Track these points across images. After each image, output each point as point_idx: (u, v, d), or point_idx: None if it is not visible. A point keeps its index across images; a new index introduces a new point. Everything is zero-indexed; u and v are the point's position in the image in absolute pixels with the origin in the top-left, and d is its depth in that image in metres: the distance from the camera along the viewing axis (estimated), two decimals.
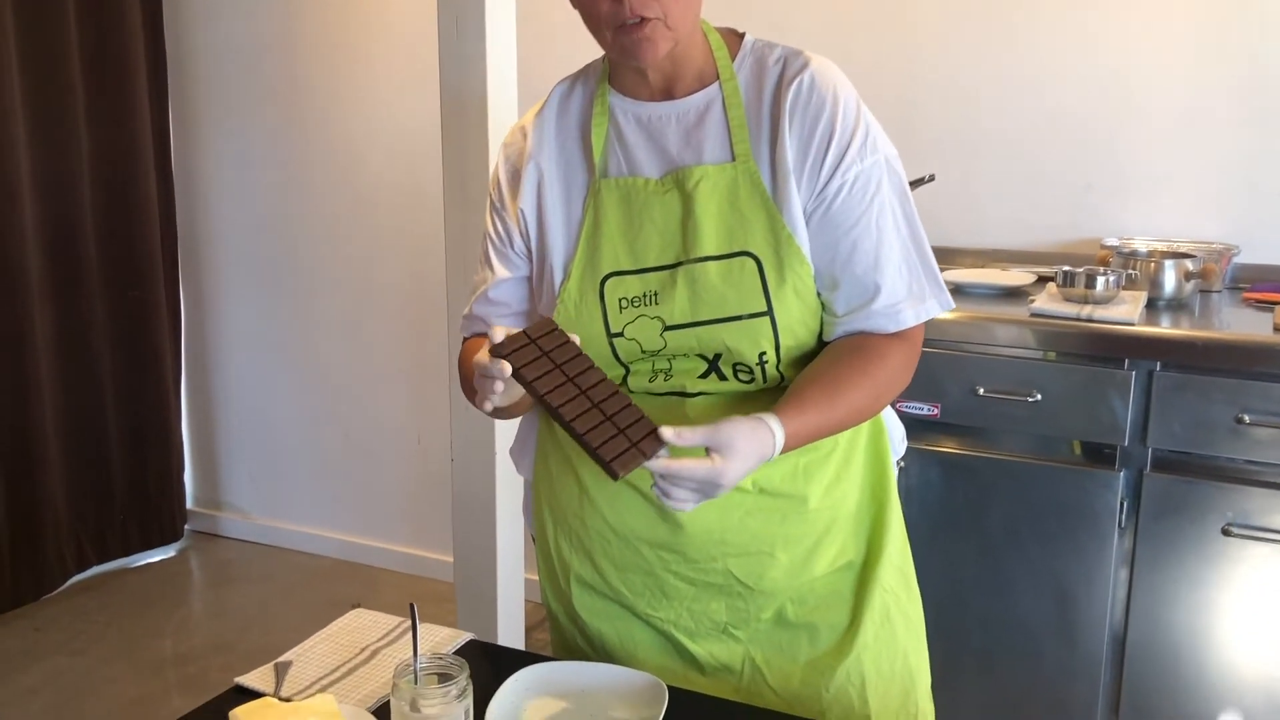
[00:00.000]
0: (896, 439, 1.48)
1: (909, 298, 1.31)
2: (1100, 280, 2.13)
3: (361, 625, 1.49)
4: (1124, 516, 2.08)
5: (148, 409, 3.69)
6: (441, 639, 1.45)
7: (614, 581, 1.44)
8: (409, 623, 1.49)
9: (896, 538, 1.44)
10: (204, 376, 3.88)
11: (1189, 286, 2.23)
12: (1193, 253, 2.30)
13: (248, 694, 1.34)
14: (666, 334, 1.31)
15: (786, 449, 1.22)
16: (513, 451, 1.60)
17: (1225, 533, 2.00)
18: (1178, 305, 2.24)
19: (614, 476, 1.12)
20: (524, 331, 1.19)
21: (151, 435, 3.71)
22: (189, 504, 3.93)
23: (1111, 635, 2.13)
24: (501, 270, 1.43)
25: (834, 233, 1.29)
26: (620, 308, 1.32)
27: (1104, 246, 2.45)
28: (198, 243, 3.79)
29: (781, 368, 1.32)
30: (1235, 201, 2.43)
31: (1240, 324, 2.12)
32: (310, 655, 1.41)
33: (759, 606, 1.38)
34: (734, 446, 1.17)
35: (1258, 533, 1.98)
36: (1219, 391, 1.98)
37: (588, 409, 1.16)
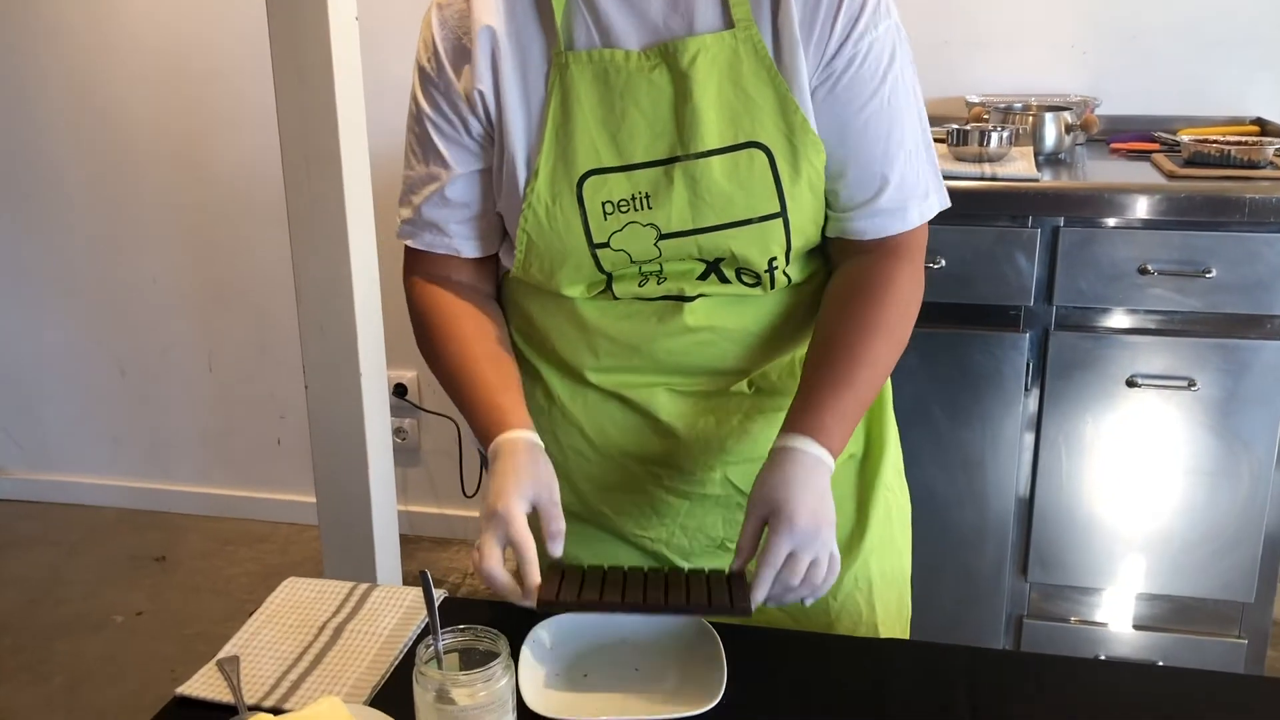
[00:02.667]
0: None
1: (915, 193, 1.14)
2: (994, 137, 2.06)
3: (304, 599, 1.22)
4: (1030, 379, 2.06)
5: None
6: (409, 603, 1.21)
7: (595, 503, 1.27)
8: (365, 587, 1.24)
9: (892, 430, 1.33)
10: None
11: (1068, 139, 2.20)
12: (1063, 105, 2.27)
13: (195, 706, 1.05)
14: (662, 243, 1.11)
15: (837, 453, 1.09)
16: None
17: (1130, 384, 2.01)
18: (1057, 160, 2.21)
19: (749, 613, 1.02)
20: (544, 583, 1.06)
21: None
22: None
23: (1018, 497, 2.12)
24: (456, 165, 1.16)
25: (843, 112, 1.10)
26: (604, 213, 1.10)
27: (969, 104, 2.38)
28: None
29: (789, 269, 1.16)
30: (1089, 53, 2.42)
31: (1124, 174, 2.11)
32: (257, 646, 1.14)
33: None
34: (776, 497, 1.04)
35: (1161, 381, 2.00)
36: (1122, 243, 1.96)
37: (663, 586, 1.07)
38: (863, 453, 1.31)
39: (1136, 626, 2.16)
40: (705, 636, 1.09)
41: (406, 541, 3.05)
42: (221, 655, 1.12)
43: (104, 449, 3.28)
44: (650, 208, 1.09)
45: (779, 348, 1.22)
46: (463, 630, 1.01)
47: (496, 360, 1.18)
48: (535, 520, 1.08)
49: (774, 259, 1.13)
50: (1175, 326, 2.00)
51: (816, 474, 1.06)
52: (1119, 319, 2.02)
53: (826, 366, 1.11)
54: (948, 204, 1.18)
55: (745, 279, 1.15)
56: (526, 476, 1.06)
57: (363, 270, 1.99)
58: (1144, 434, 2.03)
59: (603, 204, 1.10)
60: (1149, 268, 1.95)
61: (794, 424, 1.09)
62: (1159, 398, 2.01)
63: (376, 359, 2.05)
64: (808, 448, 1.06)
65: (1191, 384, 1.99)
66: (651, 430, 1.23)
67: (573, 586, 1.06)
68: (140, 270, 3.10)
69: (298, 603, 1.21)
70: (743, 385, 1.23)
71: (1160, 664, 2.08)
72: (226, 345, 3.11)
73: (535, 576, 1.04)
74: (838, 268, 1.19)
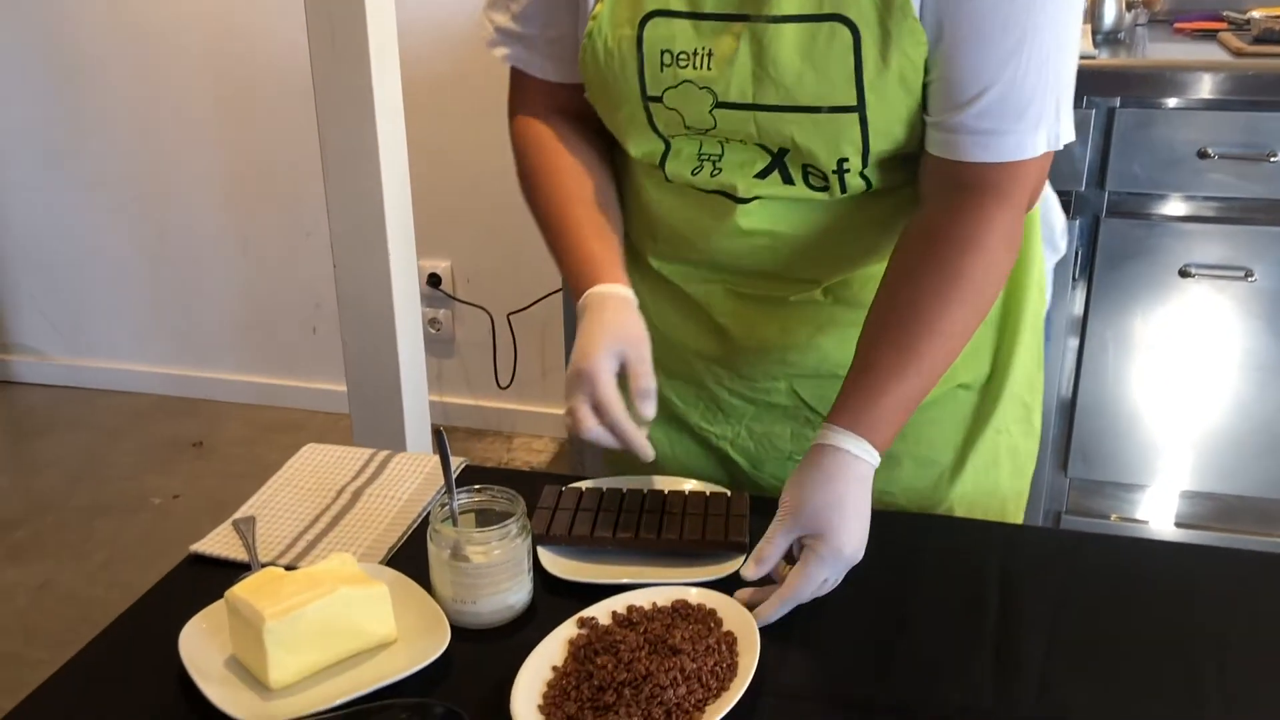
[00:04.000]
0: (1056, 230, 1.20)
1: (1024, 116, 0.93)
2: None
3: (322, 463, 1.20)
4: (1078, 268, 1.98)
5: None
6: (430, 470, 1.19)
7: (664, 390, 1.16)
8: (385, 454, 1.22)
9: (1026, 359, 1.15)
10: None
11: (1129, 17, 2.09)
12: None
13: (208, 563, 1.04)
14: (717, 112, 0.99)
15: (886, 448, 0.95)
16: None
17: (1183, 274, 1.93)
18: (1116, 39, 2.10)
19: (744, 549, 0.99)
20: (536, 515, 1.04)
21: None
22: None
23: (1061, 391, 2.07)
24: None
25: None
26: (662, 64, 0.99)
27: None
28: None
29: (868, 173, 1.00)
30: None
31: (1187, 53, 2.00)
32: (274, 507, 1.12)
33: None
34: (826, 520, 0.91)
35: (1216, 271, 1.92)
36: (1181, 125, 1.87)
37: (659, 513, 1.04)
38: (982, 383, 1.14)
39: (1178, 524, 2.12)
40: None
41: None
42: (237, 516, 1.10)
43: (138, 335, 3.29)
44: (710, 69, 0.97)
45: (857, 260, 1.08)
46: (479, 490, 0.99)
47: (594, 204, 1.08)
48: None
49: (845, 160, 0.97)
50: (1234, 214, 1.91)
51: (866, 484, 0.93)
52: (1174, 205, 1.94)
53: (890, 342, 0.95)
54: (1071, 137, 0.96)
55: (812, 181, 1.00)
56: (613, 332, 0.97)
57: (389, 141, 1.94)
58: (1195, 327, 1.96)
59: (662, 52, 0.98)
60: (1209, 151, 1.86)
61: (847, 415, 0.94)
62: (1213, 289, 1.93)
63: (405, 236, 2.01)
64: (860, 452, 0.92)
65: (1248, 274, 1.91)
66: (709, 329, 1.14)
67: (564, 520, 1.02)
68: (174, 154, 3.07)
69: (316, 467, 1.19)
70: (815, 293, 1.09)
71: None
72: (261, 232, 3.09)
73: (632, 434, 0.97)
74: (924, 200, 1.01)
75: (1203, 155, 1.86)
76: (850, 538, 0.91)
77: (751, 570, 0.93)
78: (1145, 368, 2.01)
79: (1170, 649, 0.91)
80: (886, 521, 1.08)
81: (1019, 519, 1.22)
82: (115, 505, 2.74)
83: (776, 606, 0.91)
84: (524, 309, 2.86)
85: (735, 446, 1.18)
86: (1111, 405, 2.05)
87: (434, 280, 2.95)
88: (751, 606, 0.92)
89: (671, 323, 1.15)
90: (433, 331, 3.00)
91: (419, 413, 2.16)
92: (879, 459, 0.94)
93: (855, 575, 0.99)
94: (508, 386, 3.01)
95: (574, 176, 1.09)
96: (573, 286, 1.04)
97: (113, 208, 3.17)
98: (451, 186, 2.82)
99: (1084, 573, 1.01)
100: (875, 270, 1.05)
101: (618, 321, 0.98)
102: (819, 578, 0.91)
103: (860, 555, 0.92)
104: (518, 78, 1.13)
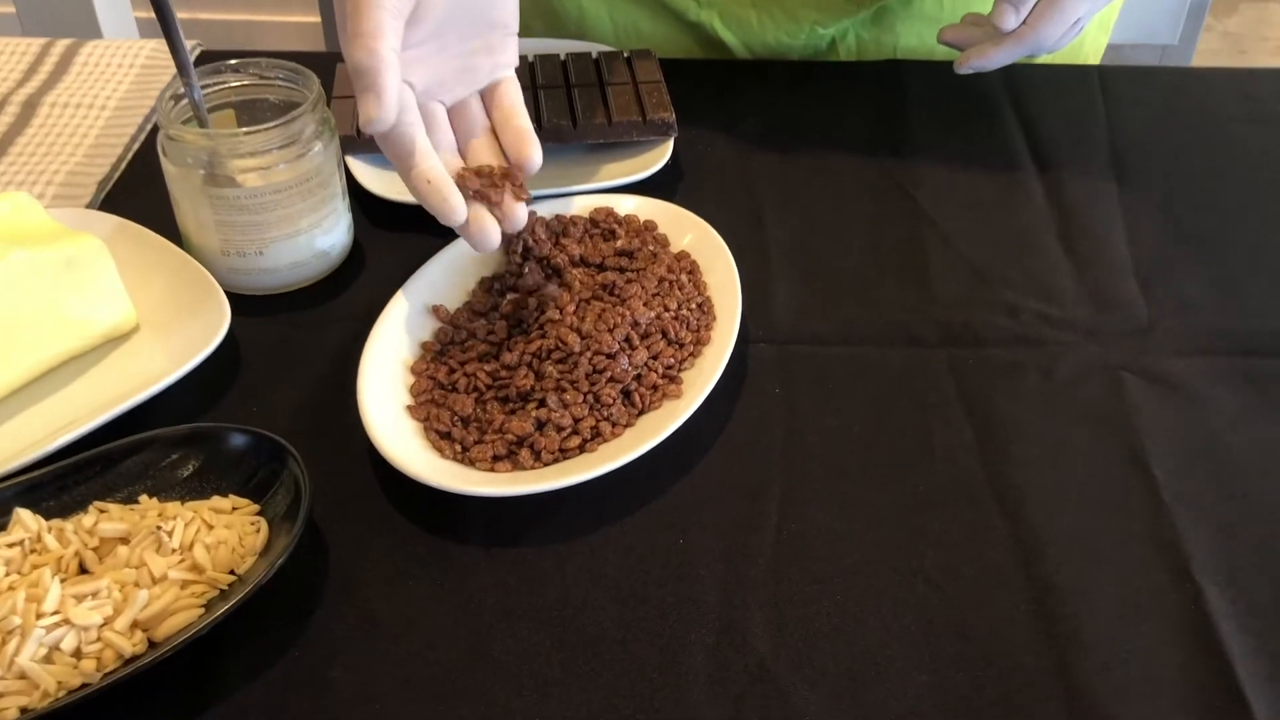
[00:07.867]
0: None
1: None
2: None
3: None
4: None
5: None
6: (146, 59, 0.77)
7: None
8: (67, 43, 0.78)
9: None
10: None
11: None
12: None
13: None
14: None
15: None
16: None
17: None
18: None
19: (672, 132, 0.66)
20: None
21: None
22: None
23: None
24: None
25: None
26: None
27: None
28: None
29: None
30: None
31: None
32: None
33: None
34: None
35: None
36: None
37: (535, 93, 0.68)
38: None
39: None
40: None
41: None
42: None
43: None
44: None
45: None
46: (237, 70, 0.59)
47: None
48: None
49: None
50: None
51: None
52: None
53: None
54: None
55: None
56: None
57: None
58: None
59: None
60: None
61: None
62: None
63: None
64: None
65: None
66: None
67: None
68: None
69: None
70: None
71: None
72: None
73: (447, 188, 0.51)
74: None
75: None
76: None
77: (1009, 16, 0.67)
78: None
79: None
80: (833, 74, 0.77)
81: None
82: None
83: (1009, 48, 0.69)
84: None
85: (725, 17, 0.79)
86: None
87: None
88: (958, 49, 0.71)
89: None
90: None
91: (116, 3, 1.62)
92: None
93: (844, 133, 0.68)
94: None
95: None
96: None
97: None
98: None
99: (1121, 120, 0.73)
100: None
101: None
102: (1074, 13, 0.67)
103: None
104: None
